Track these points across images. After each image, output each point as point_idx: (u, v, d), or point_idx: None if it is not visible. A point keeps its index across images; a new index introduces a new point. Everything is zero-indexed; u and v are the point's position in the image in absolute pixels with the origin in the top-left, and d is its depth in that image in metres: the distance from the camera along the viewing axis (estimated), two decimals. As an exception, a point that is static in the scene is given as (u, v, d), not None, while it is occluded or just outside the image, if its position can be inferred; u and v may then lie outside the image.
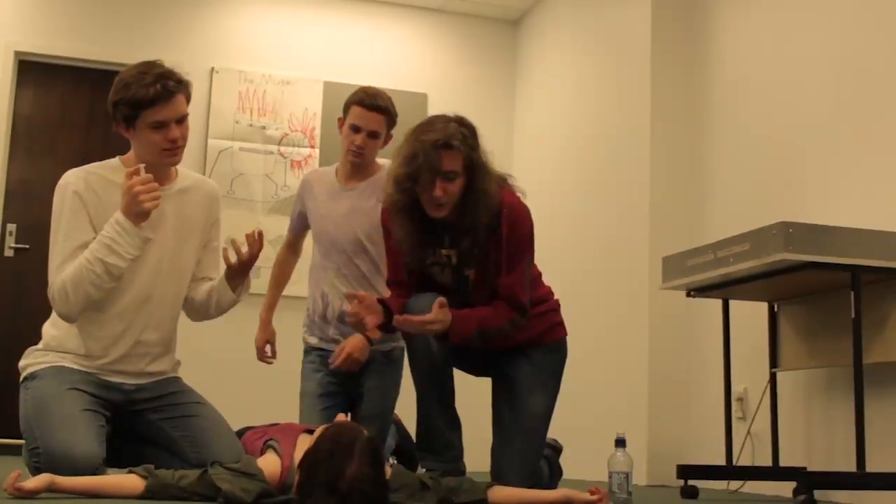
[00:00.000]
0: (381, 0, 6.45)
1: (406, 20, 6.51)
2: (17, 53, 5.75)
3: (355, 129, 3.29)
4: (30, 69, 5.84)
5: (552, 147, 6.00)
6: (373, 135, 3.29)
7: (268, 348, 3.52)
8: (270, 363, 3.53)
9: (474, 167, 2.75)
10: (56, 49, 5.80)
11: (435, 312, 2.65)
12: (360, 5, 6.42)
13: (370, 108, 3.27)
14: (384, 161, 3.40)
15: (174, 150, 2.73)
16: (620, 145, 5.10)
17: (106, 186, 2.71)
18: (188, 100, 2.77)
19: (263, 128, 6.03)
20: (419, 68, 6.46)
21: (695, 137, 4.75)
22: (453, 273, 2.85)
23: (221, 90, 6.01)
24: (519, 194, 2.87)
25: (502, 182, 2.86)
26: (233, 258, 2.79)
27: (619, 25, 5.25)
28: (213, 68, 6.02)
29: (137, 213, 2.60)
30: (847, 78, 3.75)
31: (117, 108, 2.69)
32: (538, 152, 6.17)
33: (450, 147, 2.69)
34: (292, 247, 3.62)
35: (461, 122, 2.78)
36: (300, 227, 3.55)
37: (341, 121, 3.37)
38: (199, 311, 2.96)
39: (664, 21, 4.88)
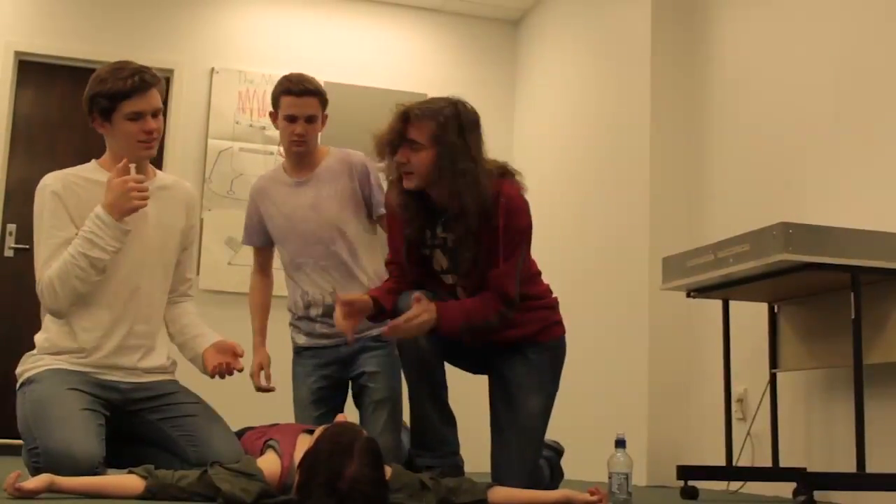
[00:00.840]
0: (381, 0, 6.46)
1: (406, 20, 6.51)
2: (17, 53, 5.76)
3: (291, 119, 3.24)
4: (30, 69, 5.84)
5: (552, 147, 6.00)
6: (310, 119, 3.25)
7: (262, 375, 3.33)
8: (272, 390, 3.33)
9: (445, 144, 2.76)
10: (56, 49, 5.80)
11: (415, 308, 2.69)
12: (359, 5, 6.42)
13: (300, 93, 3.23)
14: (331, 148, 3.38)
15: (150, 141, 2.79)
16: (620, 145, 5.10)
17: (86, 186, 2.75)
18: (162, 96, 2.83)
19: (263, 128, 6.03)
20: (419, 68, 6.46)
21: (695, 137, 4.75)
22: (450, 256, 2.87)
23: (221, 90, 6.01)
24: (519, 188, 2.89)
25: (502, 173, 2.88)
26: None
27: (619, 25, 5.25)
28: (213, 69, 6.02)
29: (127, 209, 2.64)
30: (847, 78, 3.75)
31: (94, 101, 2.75)
32: (538, 152, 6.17)
33: (414, 116, 2.78)
34: (263, 269, 3.49)
35: (454, 105, 2.83)
36: (264, 239, 3.43)
37: (274, 115, 3.32)
38: (169, 333, 3.00)
39: (664, 21, 4.88)
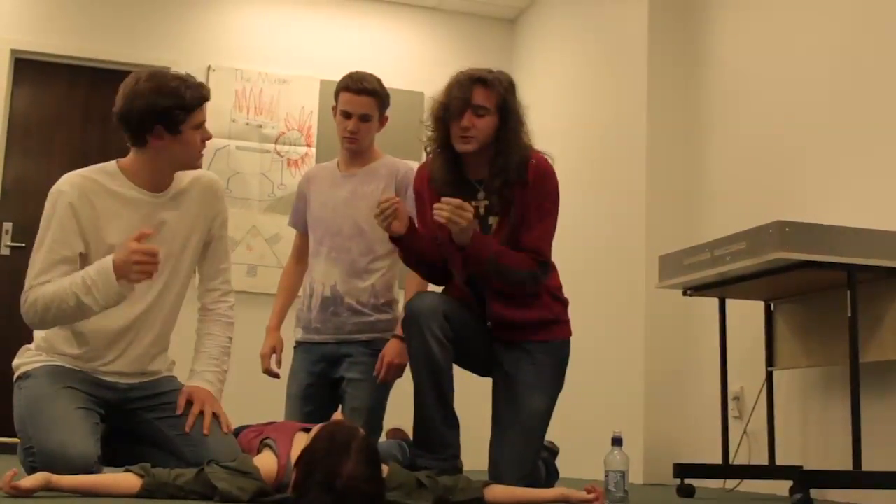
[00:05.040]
0: (378, -2, 6.46)
1: (403, 18, 6.51)
2: (13, 52, 5.75)
3: (346, 115, 3.31)
4: (26, 67, 5.83)
5: (548, 145, 5.96)
6: (364, 118, 3.31)
7: (273, 359, 3.35)
8: (277, 376, 3.36)
9: (507, 110, 2.87)
10: (53, 47, 5.79)
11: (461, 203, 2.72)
12: (356, 4, 6.41)
13: (357, 91, 3.29)
14: (388, 155, 3.44)
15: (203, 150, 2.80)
16: (617, 144, 5.10)
17: (102, 195, 2.68)
18: None
19: (260, 126, 6.03)
20: (416, 67, 6.45)
21: (691, 136, 4.75)
22: (480, 223, 2.89)
23: (218, 88, 5.98)
24: (546, 156, 2.99)
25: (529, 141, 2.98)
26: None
27: (616, 24, 5.25)
28: (209, 66, 6.02)
29: (129, 278, 2.54)
30: (844, 78, 3.76)
31: (171, 113, 2.63)
32: (535, 151, 6.16)
33: (484, 82, 2.86)
34: (299, 255, 3.52)
35: (503, 73, 2.94)
36: (305, 223, 3.48)
37: (335, 109, 3.38)
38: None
39: (661, 20, 4.88)
